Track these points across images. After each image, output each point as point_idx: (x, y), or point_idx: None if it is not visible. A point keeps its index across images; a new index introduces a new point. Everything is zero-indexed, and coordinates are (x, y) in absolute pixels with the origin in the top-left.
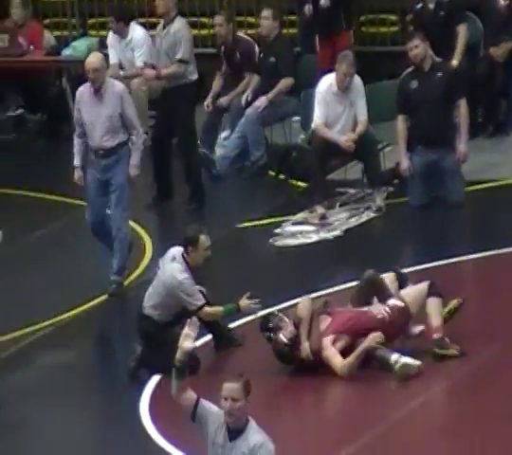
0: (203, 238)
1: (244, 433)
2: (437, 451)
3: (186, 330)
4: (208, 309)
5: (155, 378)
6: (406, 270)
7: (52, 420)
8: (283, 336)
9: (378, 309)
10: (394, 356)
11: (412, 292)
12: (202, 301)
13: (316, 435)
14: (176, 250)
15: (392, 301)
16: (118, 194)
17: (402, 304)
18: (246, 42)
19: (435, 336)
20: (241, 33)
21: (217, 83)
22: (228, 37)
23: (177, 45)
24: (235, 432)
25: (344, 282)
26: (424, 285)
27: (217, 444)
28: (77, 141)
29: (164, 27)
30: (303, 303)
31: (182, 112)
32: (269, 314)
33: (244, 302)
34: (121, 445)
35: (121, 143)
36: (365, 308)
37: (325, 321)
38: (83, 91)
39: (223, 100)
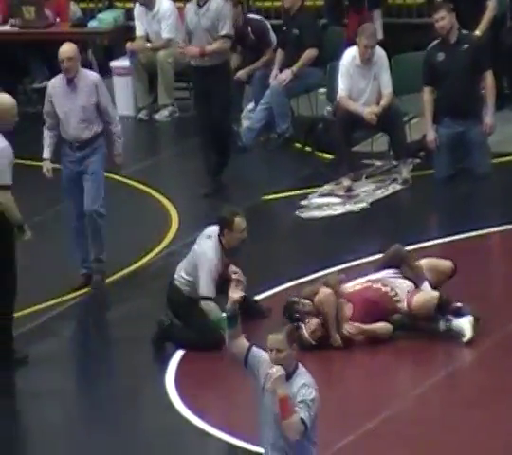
0: (238, 220)
1: (291, 378)
2: (464, 423)
3: (235, 278)
4: (208, 303)
5: (181, 351)
6: (432, 242)
7: (76, 390)
8: (308, 336)
9: (402, 295)
10: (441, 322)
11: (422, 301)
12: (209, 293)
13: (340, 408)
14: (213, 229)
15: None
16: (94, 182)
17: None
18: (256, 21)
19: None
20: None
21: (235, 61)
22: (238, 20)
23: (220, 20)
24: (290, 375)
25: (370, 255)
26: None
27: (267, 390)
28: (47, 133)
29: (201, 6)
30: (327, 296)
31: (222, 89)
32: (291, 303)
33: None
34: (147, 416)
35: (97, 134)
36: (388, 287)
37: (345, 307)
38: (55, 82)
39: (240, 74)
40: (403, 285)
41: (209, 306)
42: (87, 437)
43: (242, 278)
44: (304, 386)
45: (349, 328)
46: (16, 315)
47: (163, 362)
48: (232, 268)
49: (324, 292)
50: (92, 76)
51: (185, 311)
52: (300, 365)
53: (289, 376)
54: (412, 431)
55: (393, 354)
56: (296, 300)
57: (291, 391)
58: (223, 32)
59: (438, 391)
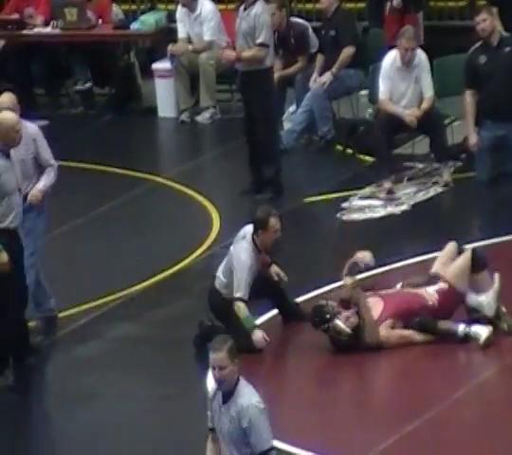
0: (273, 220)
1: (233, 395)
2: (506, 425)
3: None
4: (240, 305)
5: None
6: (473, 245)
7: (121, 392)
8: (343, 326)
9: (429, 293)
10: (461, 326)
11: (454, 269)
12: (242, 295)
13: (380, 410)
14: (248, 230)
15: (438, 286)
16: (29, 238)
17: (446, 287)
18: (299, 25)
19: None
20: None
21: (277, 65)
22: (282, 24)
23: (257, 28)
24: (227, 395)
25: (411, 257)
26: (466, 259)
27: (215, 410)
28: None
29: (245, 9)
30: (355, 289)
31: (258, 98)
32: (320, 306)
33: (258, 334)
34: (187, 419)
35: None
36: (418, 289)
37: (378, 305)
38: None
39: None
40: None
41: (239, 308)
42: (129, 440)
43: (284, 278)
44: (249, 408)
45: (384, 332)
46: (59, 316)
47: (205, 364)
48: (275, 269)
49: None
50: (30, 128)
51: (225, 313)
52: (241, 379)
53: (231, 394)
54: (453, 434)
55: (425, 356)
56: (324, 302)
57: (235, 410)
58: (258, 40)
59: (478, 394)
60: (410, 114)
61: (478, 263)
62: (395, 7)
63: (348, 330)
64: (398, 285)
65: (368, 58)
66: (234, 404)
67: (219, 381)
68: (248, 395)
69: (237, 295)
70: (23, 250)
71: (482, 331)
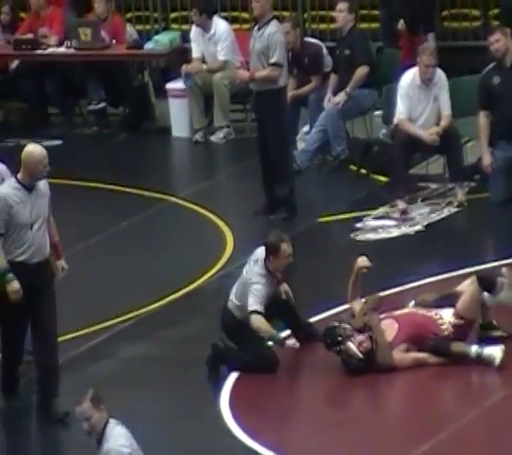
0: (284, 246)
1: (103, 439)
2: None
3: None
4: (259, 318)
5: (236, 373)
6: (488, 265)
7: (132, 411)
8: (356, 350)
9: (444, 319)
10: (474, 348)
11: (463, 302)
12: (258, 308)
13: (394, 430)
14: (261, 253)
15: (453, 319)
16: None
17: (462, 322)
18: (313, 45)
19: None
20: (309, 38)
21: (291, 84)
22: (296, 43)
23: (271, 48)
24: (99, 441)
25: (426, 277)
26: (473, 288)
27: None
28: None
29: (259, 29)
30: (371, 315)
31: (271, 118)
32: (332, 327)
33: (290, 341)
34: (201, 439)
35: None
36: (433, 312)
37: (392, 328)
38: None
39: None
40: (449, 310)
41: (257, 320)
42: None
43: (291, 297)
44: (106, 453)
45: (398, 355)
46: (72, 335)
47: (218, 384)
48: (284, 287)
49: (370, 313)
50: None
51: (238, 334)
52: (110, 422)
53: (101, 439)
54: (467, 454)
55: (438, 376)
56: (336, 324)
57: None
58: (272, 60)
59: (493, 414)
60: (431, 133)
61: (491, 285)
62: (400, 28)
63: (360, 355)
64: (411, 303)
65: (382, 78)
66: (102, 448)
67: (88, 432)
68: (114, 439)
69: (252, 308)
70: (44, 282)
71: (495, 352)
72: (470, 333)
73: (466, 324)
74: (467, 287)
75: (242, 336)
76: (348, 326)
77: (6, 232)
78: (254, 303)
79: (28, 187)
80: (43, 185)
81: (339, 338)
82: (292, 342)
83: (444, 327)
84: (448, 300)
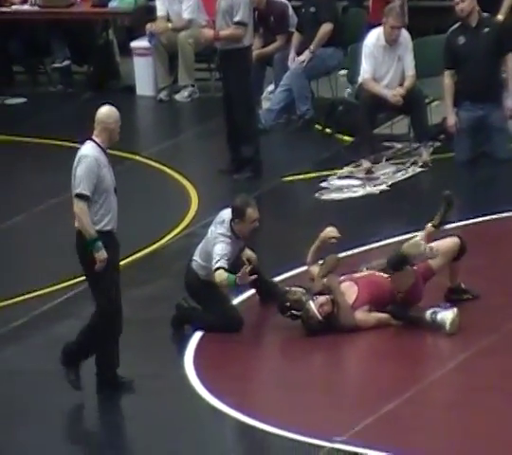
0: (250, 211)
1: None
2: (482, 407)
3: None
4: (222, 273)
5: (200, 333)
6: (451, 226)
7: (93, 371)
8: (316, 312)
9: None
10: (428, 313)
11: (442, 248)
12: (223, 265)
13: (359, 390)
14: (227, 215)
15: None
16: None
17: (426, 265)
18: (279, 4)
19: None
20: None
21: (256, 43)
22: (261, 1)
23: (235, 7)
24: None
25: (389, 237)
26: (454, 243)
27: None
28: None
29: None
30: (331, 277)
31: (235, 77)
32: (282, 293)
33: (243, 274)
34: (166, 398)
35: None
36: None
37: (352, 289)
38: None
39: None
40: None
41: (221, 276)
42: (105, 421)
43: (255, 262)
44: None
45: (361, 315)
46: (36, 294)
47: (182, 344)
48: (247, 252)
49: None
50: None
51: (203, 294)
52: None
53: None
54: (432, 414)
55: (400, 337)
56: (287, 289)
57: None
58: (236, 19)
59: (456, 375)
60: (395, 94)
61: (462, 253)
62: None
63: (319, 316)
64: (364, 268)
65: (347, 37)
66: None
67: None
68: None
69: (216, 265)
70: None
71: (447, 316)
72: (422, 290)
73: (413, 287)
74: (450, 241)
75: (206, 295)
76: (299, 289)
77: (94, 199)
78: (218, 261)
79: (105, 150)
80: None
81: (287, 304)
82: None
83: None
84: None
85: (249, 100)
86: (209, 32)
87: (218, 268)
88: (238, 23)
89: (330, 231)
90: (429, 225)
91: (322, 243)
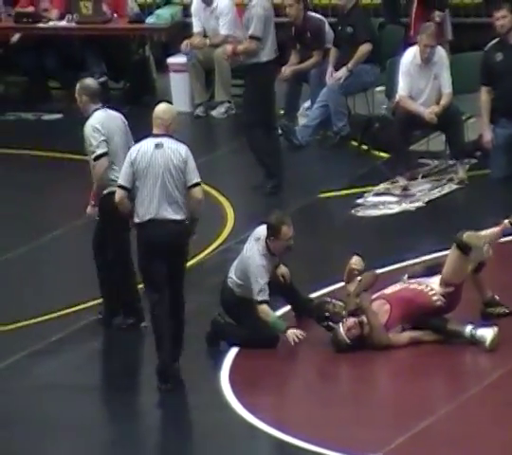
0: (285, 229)
1: None
2: None
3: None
4: (264, 308)
5: (235, 349)
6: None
7: (131, 384)
8: (344, 336)
9: (437, 291)
10: (468, 328)
11: (447, 268)
12: (265, 297)
13: (392, 408)
14: (262, 232)
15: (442, 289)
16: None
17: (451, 289)
18: (316, 20)
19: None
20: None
21: (293, 59)
22: (298, 17)
23: (250, 20)
24: None
25: (426, 253)
26: (453, 252)
27: None
28: None
29: (250, 1)
30: (363, 297)
31: (249, 90)
32: (322, 303)
33: (291, 331)
34: (201, 413)
35: None
36: (424, 285)
37: (383, 309)
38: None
39: (285, 72)
40: (437, 278)
41: (263, 310)
42: (142, 433)
43: (288, 279)
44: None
45: (394, 336)
46: (71, 310)
47: (217, 359)
48: (282, 268)
49: (362, 294)
50: None
51: (238, 310)
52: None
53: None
54: (468, 431)
55: (434, 354)
56: (328, 300)
57: None
58: (249, 32)
59: (492, 392)
60: (430, 111)
61: (483, 265)
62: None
63: (347, 340)
64: (405, 276)
65: (384, 54)
66: None
67: None
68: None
69: (259, 298)
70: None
71: (487, 333)
72: (460, 298)
73: (455, 290)
74: (450, 252)
75: (241, 311)
76: (340, 303)
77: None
78: (259, 292)
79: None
80: None
81: (327, 314)
82: (292, 334)
83: (435, 298)
84: (436, 269)
85: (269, 118)
86: (228, 47)
87: (261, 302)
88: (251, 37)
89: (353, 264)
90: (507, 221)
91: (348, 273)
